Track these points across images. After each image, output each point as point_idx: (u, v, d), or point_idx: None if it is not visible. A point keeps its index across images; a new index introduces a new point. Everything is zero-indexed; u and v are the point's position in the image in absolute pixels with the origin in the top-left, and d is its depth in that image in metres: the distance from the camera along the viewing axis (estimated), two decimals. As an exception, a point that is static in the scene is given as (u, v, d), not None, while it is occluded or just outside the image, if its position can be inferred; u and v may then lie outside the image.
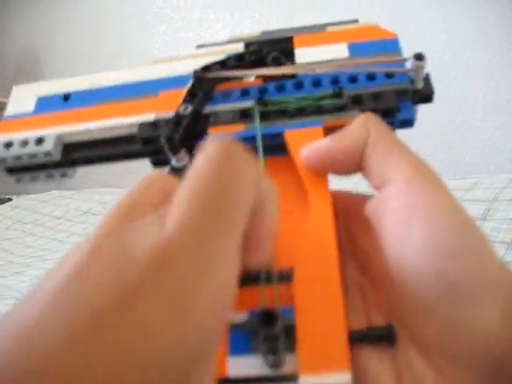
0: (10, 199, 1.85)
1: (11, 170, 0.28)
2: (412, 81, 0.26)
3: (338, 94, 0.25)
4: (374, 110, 0.24)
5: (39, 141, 0.27)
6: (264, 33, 0.29)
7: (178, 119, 0.25)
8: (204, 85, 0.26)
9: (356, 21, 0.29)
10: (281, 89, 0.26)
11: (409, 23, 1.61)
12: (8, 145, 0.27)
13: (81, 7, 2.07)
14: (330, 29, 0.29)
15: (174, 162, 0.24)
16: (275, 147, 0.25)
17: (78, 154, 0.28)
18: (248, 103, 0.26)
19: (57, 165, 0.28)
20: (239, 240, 0.14)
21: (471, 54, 1.56)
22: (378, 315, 0.21)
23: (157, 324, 0.12)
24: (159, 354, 0.11)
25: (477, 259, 0.18)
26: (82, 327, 0.11)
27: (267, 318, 0.19)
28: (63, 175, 0.29)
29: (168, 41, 1.83)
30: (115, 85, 0.29)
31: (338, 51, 0.27)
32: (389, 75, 0.26)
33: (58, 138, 0.27)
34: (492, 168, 1.46)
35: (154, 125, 0.26)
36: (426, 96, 0.26)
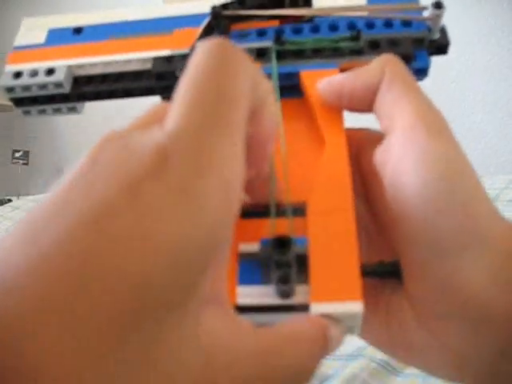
0: (10, 200, 1.85)
1: (19, 102, 0.28)
2: (429, 29, 0.25)
3: (355, 37, 0.25)
4: None
5: (50, 71, 0.27)
6: None
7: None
8: (221, 22, 0.26)
9: None
10: (298, 31, 0.26)
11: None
12: (17, 75, 0.27)
13: (81, 7, 2.07)
14: None
15: None
16: (290, 88, 0.25)
17: (88, 88, 0.27)
18: (264, 43, 0.26)
19: (65, 98, 0.28)
20: (242, 136, 0.14)
21: (471, 55, 1.56)
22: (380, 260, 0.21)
23: (165, 213, 0.11)
24: (170, 246, 0.11)
25: (464, 213, 0.17)
26: (89, 218, 0.11)
27: (280, 243, 0.19)
28: (71, 109, 0.28)
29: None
30: (129, 21, 0.28)
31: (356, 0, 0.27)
32: (406, 23, 0.26)
33: (69, 69, 0.27)
34: (492, 169, 1.46)
35: (169, 60, 0.26)
36: (441, 46, 0.26)
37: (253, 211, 0.20)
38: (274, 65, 0.25)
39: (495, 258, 0.17)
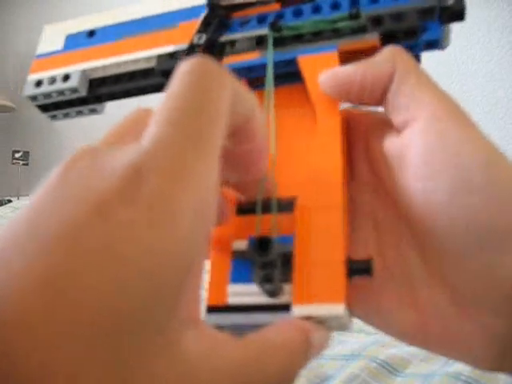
0: (10, 201, 1.85)
1: (44, 109, 0.29)
2: None
3: (354, 16, 0.23)
4: (396, 31, 0.23)
5: (66, 78, 0.28)
6: None
7: (192, 49, 0.25)
8: (219, 13, 0.26)
9: None
10: (298, 13, 0.25)
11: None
12: (38, 83, 0.28)
13: (81, 8, 2.08)
14: None
15: None
16: (292, 75, 0.24)
17: (104, 90, 0.28)
18: (263, 30, 0.25)
19: (84, 101, 0.29)
20: (218, 154, 0.14)
21: (470, 55, 1.56)
22: (391, 249, 0.20)
23: (137, 231, 0.11)
24: (143, 267, 0.11)
25: (508, 200, 0.17)
26: (59, 236, 0.11)
27: (261, 244, 0.18)
28: (92, 111, 0.29)
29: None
30: (137, 18, 0.29)
31: None
32: None
33: (84, 73, 0.28)
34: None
35: (172, 56, 0.26)
36: (457, 13, 0.24)
37: (247, 207, 0.21)
38: (270, 53, 0.24)
39: None
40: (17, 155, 2.11)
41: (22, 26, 2.29)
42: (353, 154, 0.22)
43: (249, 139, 0.16)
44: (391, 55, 0.21)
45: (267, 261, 0.18)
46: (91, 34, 0.29)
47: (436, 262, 0.19)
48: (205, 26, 0.26)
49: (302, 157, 0.22)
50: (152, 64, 0.27)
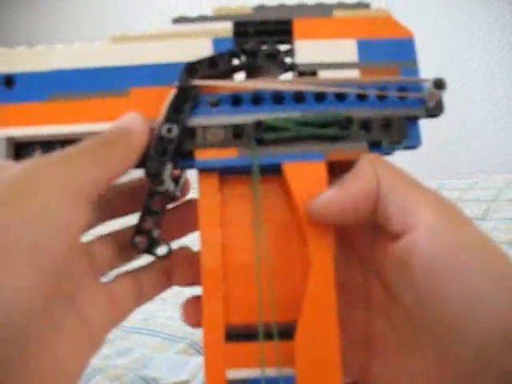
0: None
1: None
2: (425, 104, 0.23)
3: (345, 126, 0.22)
4: (382, 140, 0.22)
5: None
6: (257, 9, 0.24)
7: (162, 145, 0.21)
8: (189, 95, 0.22)
9: (367, 5, 0.24)
10: (279, 100, 0.23)
11: (409, 26, 1.60)
12: None
13: (81, 7, 2.07)
14: (337, 13, 0.24)
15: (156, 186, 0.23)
16: (272, 170, 0.22)
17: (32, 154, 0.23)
18: (240, 118, 0.22)
19: None
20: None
21: (471, 55, 1.56)
22: (384, 321, 0.21)
23: None
24: None
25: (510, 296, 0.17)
26: None
27: None
28: None
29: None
30: (72, 69, 0.23)
31: (346, 51, 0.23)
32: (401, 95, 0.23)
33: (8, 142, 0.22)
34: (492, 168, 1.46)
35: None
36: (433, 114, 0.24)
37: (241, 333, 0.21)
38: (256, 160, 0.22)
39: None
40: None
41: (21, 26, 2.29)
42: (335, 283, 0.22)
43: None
44: (372, 168, 0.20)
45: None
46: (9, 82, 0.23)
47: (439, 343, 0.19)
48: (173, 112, 0.22)
49: (294, 273, 0.22)
50: None
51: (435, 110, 0.23)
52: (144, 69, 0.23)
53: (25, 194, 0.16)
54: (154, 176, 0.21)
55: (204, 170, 0.22)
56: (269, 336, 0.20)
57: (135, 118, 0.21)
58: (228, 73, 0.23)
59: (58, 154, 0.19)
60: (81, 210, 0.18)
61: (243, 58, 0.23)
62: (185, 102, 0.22)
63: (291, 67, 0.23)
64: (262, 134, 0.22)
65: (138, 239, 0.23)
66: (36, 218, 0.16)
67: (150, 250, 0.23)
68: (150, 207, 0.23)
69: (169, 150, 0.21)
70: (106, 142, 0.20)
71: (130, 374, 0.43)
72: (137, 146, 0.21)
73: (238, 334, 0.21)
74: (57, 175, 0.17)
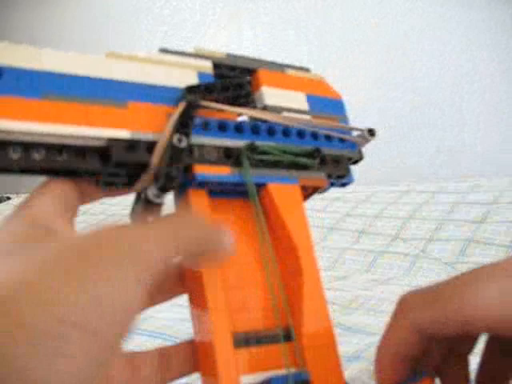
0: (9, 198, 1.85)
1: None
2: (357, 147, 0.29)
3: (317, 154, 0.26)
4: (333, 174, 0.27)
5: None
6: (229, 55, 0.28)
7: (176, 153, 0.22)
8: (194, 113, 0.24)
9: (308, 69, 0.30)
10: (271, 132, 0.26)
11: (410, 27, 1.61)
12: None
13: (81, 8, 2.08)
14: (288, 71, 0.29)
15: (151, 195, 0.22)
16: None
17: (14, 159, 0.20)
18: (227, 141, 0.25)
19: None
20: None
21: (471, 56, 1.57)
22: None
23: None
24: None
25: None
26: None
27: None
28: None
29: (168, 42, 1.83)
30: (67, 74, 0.22)
31: (299, 101, 0.29)
32: (342, 139, 0.28)
33: None
34: (492, 170, 1.46)
35: (131, 145, 0.22)
36: (357, 161, 0.29)
37: (246, 339, 0.23)
38: (249, 175, 0.25)
39: None
40: (16, 154, 2.11)
41: (22, 26, 2.29)
42: None
43: None
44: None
45: None
46: None
47: None
48: (182, 125, 0.23)
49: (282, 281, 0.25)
50: (95, 143, 0.22)
51: (361, 156, 0.29)
52: (140, 86, 0.24)
53: (89, 272, 0.15)
54: (168, 177, 0.22)
55: (200, 185, 0.24)
56: (274, 340, 0.23)
57: (227, 236, 0.21)
58: (218, 100, 0.25)
59: (132, 226, 0.19)
60: (144, 296, 0.17)
61: (231, 85, 0.26)
62: (190, 118, 0.23)
63: (264, 107, 0.28)
64: (255, 155, 0.25)
65: None
66: (100, 301, 0.15)
67: None
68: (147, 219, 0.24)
69: (182, 157, 0.23)
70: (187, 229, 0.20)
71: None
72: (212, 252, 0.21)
73: (242, 341, 0.22)
74: (128, 250, 0.17)
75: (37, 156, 0.21)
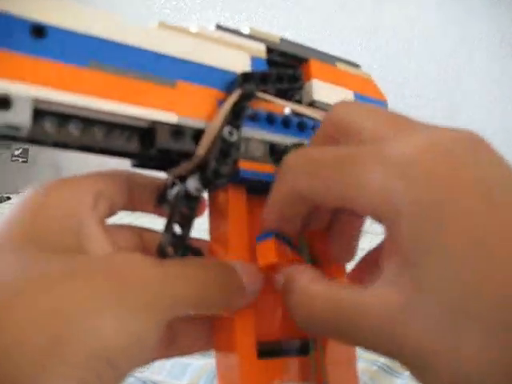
0: (9, 198, 1.85)
1: None
2: None
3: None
4: None
5: (3, 102, 0.17)
6: (282, 40, 0.26)
7: (226, 148, 0.21)
8: (248, 103, 0.22)
9: (358, 66, 0.29)
10: (302, 127, 0.25)
11: (410, 28, 1.61)
12: None
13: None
14: (339, 65, 0.28)
15: (193, 188, 0.20)
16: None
17: (53, 134, 0.18)
18: (275, 136, 0.23)
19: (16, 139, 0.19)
20: None
21: (471, 56, 1.57)
22: None
23: None
24: None
25: None
26: None
27: None
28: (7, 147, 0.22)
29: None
30: (117, 42, 0.20)
31: (348, 99, 0.27)
32: None
33: (33, 103, 0.17)
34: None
35: (177, 131, 0.21)
36: None
37: (269, 350, 0.22)
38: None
39: None
40: (16, 152, 2.11)
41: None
42: None
43: None
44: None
45: None
46: (39, 31, 0.18)
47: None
48: (233, 116, 0.21)
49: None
50: (138, 123, 0.20)
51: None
52: (191, 64, 0.22)
53: (111, 303, 0.16)
54: (216, 175, 0.20)
55: (242, 182, 0.22)
56: (289, 352, 0.23)
57: (257, 275, 0.21)
58: (272, 91, 0.24)
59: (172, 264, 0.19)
60: (160, 332, 0.17)
61: (284, 76, 0.24)
62: (243, 109, 0.22)
63: (311, 103, 0.26)
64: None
65: (167, 245, 0.20)
66: (117, 333, 0.15)
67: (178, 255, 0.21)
68: (181, 212, 0.21)
69: (231, 152, 0.21)
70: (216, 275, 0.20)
71: (131, 378, 0.43)
72: (242, 302, 0.21)
73: (266, 352, 0.22)
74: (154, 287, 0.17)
75: (74, 131, 0.19)
